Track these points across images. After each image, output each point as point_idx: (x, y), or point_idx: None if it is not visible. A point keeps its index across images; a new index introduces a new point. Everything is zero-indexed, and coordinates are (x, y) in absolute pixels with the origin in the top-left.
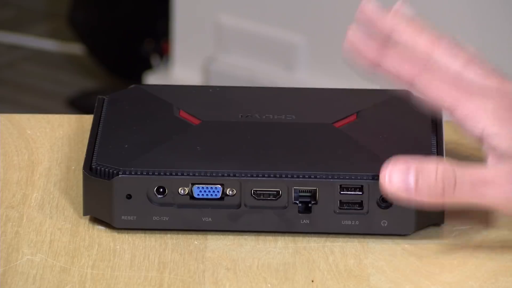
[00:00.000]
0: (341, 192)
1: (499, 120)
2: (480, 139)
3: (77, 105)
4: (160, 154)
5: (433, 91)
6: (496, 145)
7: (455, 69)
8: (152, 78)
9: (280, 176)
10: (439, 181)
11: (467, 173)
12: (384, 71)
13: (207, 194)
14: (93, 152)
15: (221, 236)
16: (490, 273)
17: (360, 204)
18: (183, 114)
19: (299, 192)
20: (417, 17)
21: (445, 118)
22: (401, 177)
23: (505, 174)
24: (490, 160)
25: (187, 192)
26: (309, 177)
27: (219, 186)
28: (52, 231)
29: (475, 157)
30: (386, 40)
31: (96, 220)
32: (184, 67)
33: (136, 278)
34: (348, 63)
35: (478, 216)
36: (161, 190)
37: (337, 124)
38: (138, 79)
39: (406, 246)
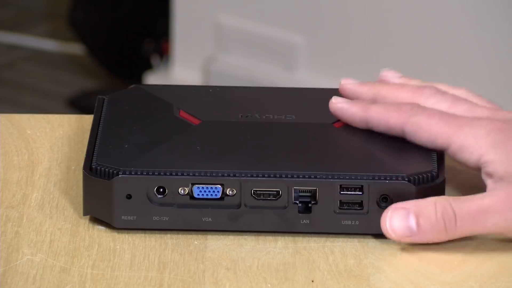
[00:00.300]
0: (341, 192)
1: (493, 146)
2: (477, 168)
3: (77, 105)
4: (160, 154)
5: (424, 132)
6: (493, 172)
7: (441, 109)
8: (152, 78)
9: (280, 176)
10: (439, 219)
11: (465, 207)
12: (373, 125)
13: (207, 194)
14: (93, 152)
15: (221, 236)
16: (490, 273)
17: (360, 204)
18: (183, 114)
19: (299, 192)
20: (399, 77)
21: None
22: (402, 223)
23: (503, 200)
24: (489, 186)
25: (187, 192)
26: (309, 177)
27: (219, 186)
28: (52, 231)
29: None
30: (371, 100)
31: (96, 220)
32: (184, 67)
33: (136, 278)
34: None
35: None
36: (161, 190)
37: (337, 124)
38: (138, 79)
39: (406, 246)
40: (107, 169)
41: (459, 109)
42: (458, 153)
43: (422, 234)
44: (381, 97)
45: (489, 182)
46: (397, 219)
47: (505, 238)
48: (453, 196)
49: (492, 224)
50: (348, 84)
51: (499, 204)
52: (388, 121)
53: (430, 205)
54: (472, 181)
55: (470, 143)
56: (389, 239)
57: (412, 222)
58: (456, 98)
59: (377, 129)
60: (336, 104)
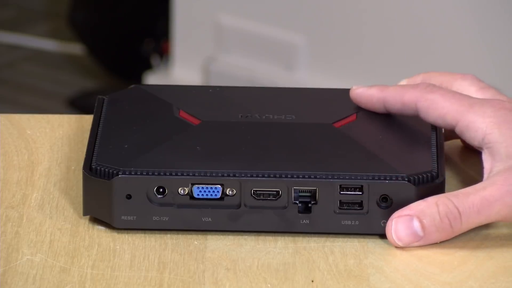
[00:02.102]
0: (341, 192)
1: (498, 126)
2: (480, 147)
3: (77, 105)
4: (160, 154)
5: (436, 109)
6: (495, 152)
7: (453, 90)
8: (152, 78)
9: (280, 176)
10: (444, 219)
11: (468, 202)
12: (390, 104)
13: (207, 194)
14: (93, 152)
15: (221, 236)
16: (490, 273)
17: (360, 204)
18: (183, 114)
19: (299, 192)
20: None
21: None
22: (407, 231)
23: (502, 185)
24: (486, 167)
25: (187, 192)
26: (309, 177)
27: (219, 186)
28: (52, 231)
29: (476, 157)
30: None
31: (96, 220)
32: (184, 67)
33: (136, 278)
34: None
35: None
36: (161, 190)
37: (337, 124)
38: (138, 79)
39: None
40: (107, 169)
41: (468, 90)
42: (465, 131)
43: (429, 236)
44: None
45: (487, 163)
46: (401, 227)
47: (509, 222)
48: (452, 192)
49: (495, 212)
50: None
51: (499, 191)
52: (403, 97)
53: (432, 206)
54: (472, 181)
55: (477, 121)
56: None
57: (417, 227)
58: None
59: (393, 109)
60: (355, 90)
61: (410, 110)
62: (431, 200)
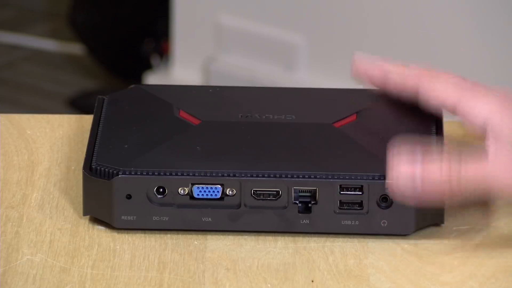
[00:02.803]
0: (341, 192)
1: (501, 111)
2: (482, 130)
3: (77, 105)
4: (160, 154)
5: (438, 91)
6: (498, 135)
7: (456, 76)
8: (152, 78)
9: (280, 176)
10: (444, 180)
11: (471, 169)
12: (391, 86)
13: (207, 194)
14: (93, 152)
15: (221, 236)
16: (490, 273)
17: (360, 204)
18: (183, 114)
19: (299, 192)
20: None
21: (445, 119)
22: (407, 184)
23: (506, 163)
24: (491, 150)
25: (187, 192)
26: (309, 177)
27: (219, 186)
28: (52, 231)
29: None
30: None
31: (96, 220)
32: (184, 67)
33: (136, 278)
34: (355, 80)
35: (478, 216)
36: (161, 190)
37: (337, 124)
38: (138, 79)
39: (406, 246)
40: (107, 169)
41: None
42: (466, 115)
43: (426, 192)
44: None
45: (491, 146)
46: (402, 177)
47: (508, 203)
48: (458, 157)
49: (496, 187)
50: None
51: (503, 168)
52: (405, 81)
53: (436, 165)
54: None
55: (479, 104)
56: (389, 238)
57: (418, 178)
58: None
59: (391, 88)
60: (358, 62)
61: (411, 91)
62: (437, 158)
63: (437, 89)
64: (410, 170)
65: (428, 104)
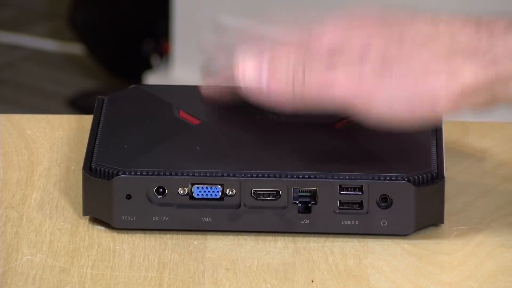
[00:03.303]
0: (341, 192)
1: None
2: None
3: (77, 105)
4: (160, 154)
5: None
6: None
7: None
8: (152, 78)
9: (280, 176)
10: (290, 71)
11: (315, 75)
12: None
13: (206, 194)
14: (93, 152)
15: (221, 236)
16: (490, 273)
17: (360, 204)
18: (182, 114)
19: (299, 192)
20: None
21: (445, 119)
22: (254, 77)
23: (352, 74)
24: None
25: (187, 192)
26: (309, 177)
27: (219, 186)
28: (52, 231)
29: (476, 157)
30: None
31: (96, 220)
32: (184, 67)
33: (136, 278)
34: None
35: (478, 216)
36: (161, 190)
37: (337, 124)
38: (138, 79)
39: (406, 246)
40: (106, 169)
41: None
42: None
43: (271, 78)
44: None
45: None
46: (249, 71)
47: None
48: (304, 62)
49: (337, 95)
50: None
51: (346, 77)
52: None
53: (285, 53)
54: (472, 180)
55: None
56: (389, 238)
57: (264, 82)
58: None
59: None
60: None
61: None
62: (287, 51)
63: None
64: (257, 63)
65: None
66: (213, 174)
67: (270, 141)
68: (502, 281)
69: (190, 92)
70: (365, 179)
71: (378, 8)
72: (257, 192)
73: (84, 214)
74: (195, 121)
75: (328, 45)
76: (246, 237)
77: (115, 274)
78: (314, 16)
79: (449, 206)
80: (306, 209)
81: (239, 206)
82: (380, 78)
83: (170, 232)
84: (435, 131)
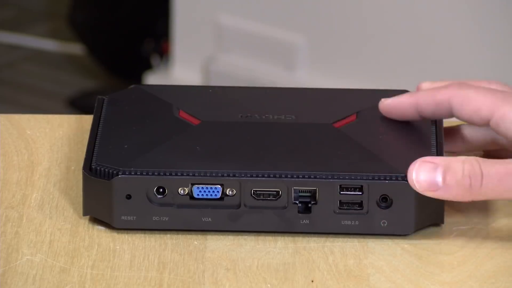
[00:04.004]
0: (341, 192)
1: None
2: None
3: (77, 105)
4: (160, 154)
5: (470, 103)
6: None
7: (484, 86)
8: (152, 78)
9: (280, 176)
10: (466, 177)
11: (494, 168)
12: (422, 106)
13: (207, 194)
14: (93, 152)
15: (221, 236)
16: (490, 273)
17: (360, 204)
18: (182, 114)
19: (299, 192)
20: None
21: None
22: (428, 177)
23: None
24: None
25: (187, 192)
26: (309, 177)
27: (219, 186)
28: (52, 231)
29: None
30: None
31: (96, 220)
32: (184, 67)
33: (136, 278)
34: None
35: (478, 216)
36: (161, 190)
37: (337, 124)
38: (138, 79)
39: (406, 246)
40: (107, 169)
41: (498, 86)
42: (501, 124)
43: (447, 189)
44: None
45: None
46: (424, 172)
47: None
48: (483, 158)
49: None
50: (385, 106)
51: None
52: (435, 97)
53: (458, 162)
54: None
55: None
56: (389, 238)
57: (439, 177)
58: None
59: (426, 112)
60: (384, 101)
61: (443, 109)
62: (460, 157)
63: (471, 100)
64: (431, 164)
65: (462, 117)
66: (213, 174)
67: (270, 141)
68: (502, 281)
69: (190, 92)
70: (365, 179)
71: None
72: (257, 192)
73: (84, 214)
74: (195, 121)
75: None
76: (246, 237)
77: (115, 274)
78: None
79: (449, 206)
80: (306, 209)
81: (239, 206)
82: None
83: (170, 232)
84: (436, 131)
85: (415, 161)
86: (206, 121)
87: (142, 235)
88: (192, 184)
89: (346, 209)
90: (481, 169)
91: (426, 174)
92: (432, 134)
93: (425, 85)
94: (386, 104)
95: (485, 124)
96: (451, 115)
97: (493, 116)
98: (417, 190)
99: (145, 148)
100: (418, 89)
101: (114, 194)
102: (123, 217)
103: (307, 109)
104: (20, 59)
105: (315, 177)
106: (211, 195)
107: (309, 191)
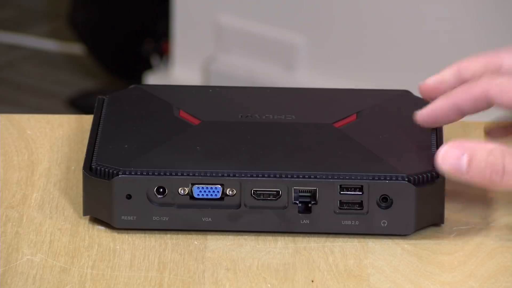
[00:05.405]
0: (341, 192)
1: None
2: None
3: (77, 105)
4: (160, 154)
5: (510, 90)
6: None
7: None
8: (152, 78)
9: (280, 176)
10: (487, 169)
11: None
12: (461, 104)
13: (207, 194)
14: (93, 152)
15: (221, 236)
16: (490, 273)
17: (360, 204)
18: (183, 114)
19: (299, 192)
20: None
21: None
22: (454, 162)
23: None
24: None
25: (187, 192)
26: (309, 177)
27: (219, 186)
28: (52, 231)
29: None
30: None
31: (96, 220)
32: (184, 67)
33: (136, 278)
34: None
35: (478, 216)
36: (161, 190)
37: (337, 124)
38: (138, 79)
39: (406, 246)
40: (107, 169)
41: None
42: None
43: (469, 175)
44: (462, 80)
45: None
46: (451, 155)
47: None
48: (510, 146)
49: None
50: (427, 86)
51: None
52: (472, 93)
53: (484, 151)
54: None
55: None
56: (389, 238)
57: (464, 161)
58: None
59: (467, 109)
60: (422, 112)
61: (483, 102)
62: (488, 146)
63: (509, 87)
64: (459, 149)
65: (504, 105)
66: (213, 174)
67: (270, 141)
68: (502, 281)
69: (190, 92)
70: (365, 179)
71: None
72: (257, 192)
73: (84, 214)
74: (195, 121)
75: None
76: (246, 237)
77: (115, 274)
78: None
79: (449, 206)
80: (306, 209)
81: (239, 206)
82: None
83: (170, 232)
84: (436, 131)
85: (444, 144)
86: (206, 121)
87: (142, 235)
88: (192, 184)
89: (346, 209)
90: (504, 164)
91: (451, 161)
92: (432, 134)
93: (430, 81)
94: (425, 115)
95: None
96: (490, 106)
97: None
98: (441, 169)
99: (145, 148)
100: (422, 88)
101: (114, 194)
102: (123, 217)
103: (307, 109)
104: (20, 59)
105: (315, 177)
106: (211, 195)
107: (309, 191)
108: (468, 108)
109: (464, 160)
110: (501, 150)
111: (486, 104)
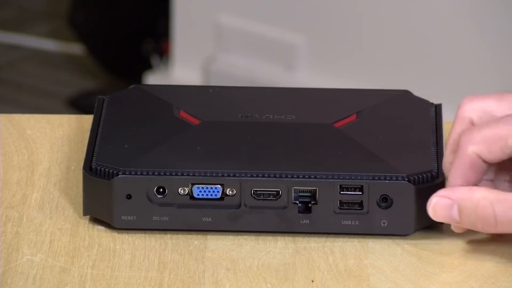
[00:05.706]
0: (341, 192)
1: None
2: None
3: (77, 105)
4: (160, 154)
5: None
6: None
7: None
8: (152, 78)
9: (280, 176)
10: (479, 219)
11: (508, 214)
12: (486, 156)
13: (207, 194)
14: (93, 152)
15: (221, 236)
16: (490, 273)
17: (360, 204)
18: (183, 114)
19: (299, 192)
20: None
21: (444, 119)
22: (445, 213)
23: None
24: None
25: (187, 192)
26: (309, 177)
27: (219, 186)
28: (52, 231)
29: None
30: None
31: (96, 220)
32: (184, 67)
33: (136, 278)
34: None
35: None
36: (161, 190)
37: (337, 124)
38: (138, 79)
39: (406, 246)
40: (107, 169)
41: None
42: None
43: (465, 225)
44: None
45: None
46: (440, 210)
47: None
48: (500, 192)
49: None
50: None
51: None
52: (490, 149)
53: (472, 202)
54: None
55: None
56: (389, 238)
57: (455, 214)
58: None
59: (494, 160)
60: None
61: (508, 150)
62: (475, 196)
63: None
64: (447, 202)
65: None
66: (213, 174)
67: (270, 141)
68: (502, 281)
69: (190, 92)
70: (365, 179)
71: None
72: (257, 192)
73: (84, 214)
74: (195, 121)
75: None
76: (246, 237)
77: (115, 274)
78: None
79: None
80: (306, 209)
81: (239, 206)
82: None
83: (170, 232)
84: (435, 131)
85: (432, 196)
86: (206, 121)
87: (142, 235)
88: (192, 184)
89: (346, 209)
90: (495, 214)
91: (443, 212)
92: (432, 134)
93: (468, 101)
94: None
95: None
96: None
97: None
98: (436, 220)
99: (145, 148)
100: (461, 107)
101: (114, 194)
102: (123, 217)
103: (307, 109)
104: (20, 59)
105: (315, 177)
106: (211, 195)
107: (309, 191)
108: (496, 159)
109: (455, 211)
110: (489, 201)
111: (509, 151)
